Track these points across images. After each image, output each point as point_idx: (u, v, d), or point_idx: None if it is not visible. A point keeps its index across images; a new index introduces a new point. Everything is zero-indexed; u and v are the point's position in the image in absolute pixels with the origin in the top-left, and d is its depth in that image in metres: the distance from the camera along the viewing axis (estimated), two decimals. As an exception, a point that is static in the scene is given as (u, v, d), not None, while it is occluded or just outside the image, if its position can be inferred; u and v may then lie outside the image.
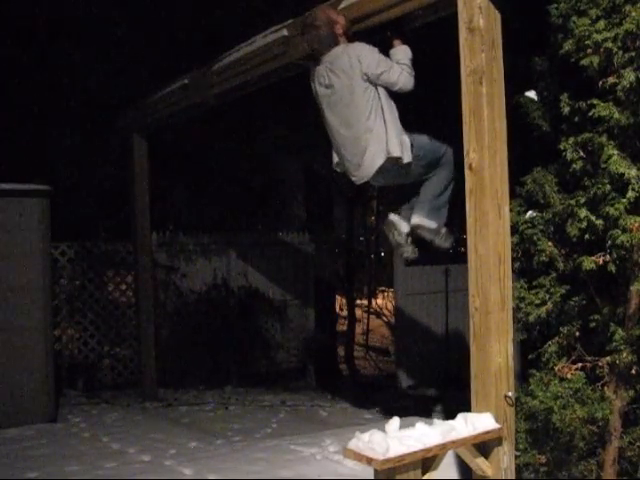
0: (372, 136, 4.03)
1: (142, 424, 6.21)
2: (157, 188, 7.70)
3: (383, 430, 3.00)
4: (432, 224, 4.40)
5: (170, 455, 5.08)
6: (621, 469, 3.47)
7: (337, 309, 12.31)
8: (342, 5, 4.20)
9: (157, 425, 6.17)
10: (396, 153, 4.02)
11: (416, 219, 4.41)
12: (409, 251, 4.61)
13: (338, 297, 12.50)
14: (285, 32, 4.73)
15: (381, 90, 4.06)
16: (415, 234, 4.49)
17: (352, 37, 4.17)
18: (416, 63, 4.17)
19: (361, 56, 4.00)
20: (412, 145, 4.12)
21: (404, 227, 4.50)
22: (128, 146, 7.42)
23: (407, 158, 4.07)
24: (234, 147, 9.75)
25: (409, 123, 4.15)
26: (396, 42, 4.14)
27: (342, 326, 12.73)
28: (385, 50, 4.16)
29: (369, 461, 2.88)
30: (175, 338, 8.69)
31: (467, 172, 3.43)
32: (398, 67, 4.05)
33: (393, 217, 4.55)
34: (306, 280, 10.08)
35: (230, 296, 9.26)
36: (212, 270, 9.23)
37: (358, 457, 2.94)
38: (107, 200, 9.33)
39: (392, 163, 4.08)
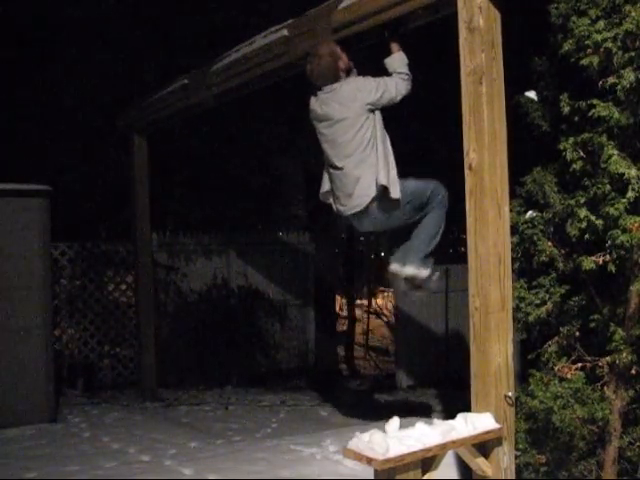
0: (366, 166, 4.05)
1: (142, 424, 6.20)
2: (157, 188, 7.70)
3: (383, 430, 3.00)
4: (425, 272, 4.37)
5: (170, 455, 5.07)
6: (621, 469, 3.47)
7: (337, 309, 12.30)
8: (342, 5, 4.20)
9: (157, 425, 6.17)
10: (383, 182, 4.00)
11: (410, 270, 4.36)
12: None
13: (338, 297, 12.50)
14: (285, 32, 4.74)
15: (377, 122, 4.08)
16: (409, 283, 4.44)
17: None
18: (416, 63, 4.17)
19: (359, 88, 4.06)
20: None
21: (408, 271, 4.41)
22: (128, 146, 7.42)
23: (395, 194, 4.04)
24: (234, 147, 9.75)
25: (410, 124, 4.15)
26: (393, 47, 4.15)
27: (342, 326, 12.73)
28: (383, 51, 4.16)
29: (369, 461, 2.88)
30: (175, 338, 8.70)
31: (467, 172, 3.43)
32: (392, 80, 4.09)
33: (394, 267, 4.44)
34: (306, 280, 10.08)
35: (230, 296, 9.27)
36: (212, 270, 9.23)
37: (358, 457, 2.94)
38: (107, 200, 9.33)
39: (381, 196, 4.04)
